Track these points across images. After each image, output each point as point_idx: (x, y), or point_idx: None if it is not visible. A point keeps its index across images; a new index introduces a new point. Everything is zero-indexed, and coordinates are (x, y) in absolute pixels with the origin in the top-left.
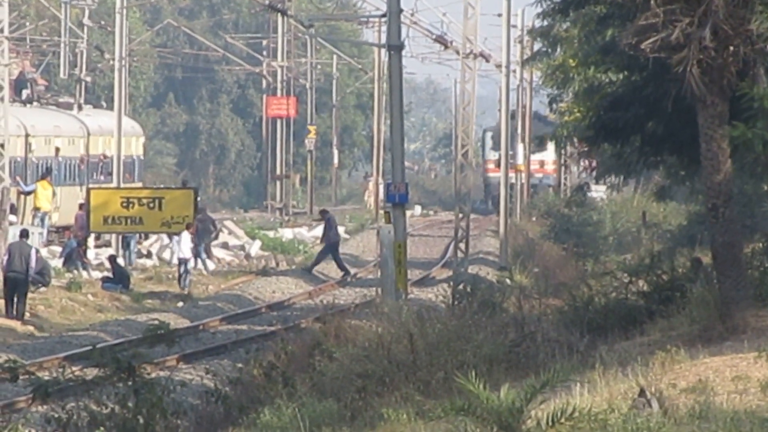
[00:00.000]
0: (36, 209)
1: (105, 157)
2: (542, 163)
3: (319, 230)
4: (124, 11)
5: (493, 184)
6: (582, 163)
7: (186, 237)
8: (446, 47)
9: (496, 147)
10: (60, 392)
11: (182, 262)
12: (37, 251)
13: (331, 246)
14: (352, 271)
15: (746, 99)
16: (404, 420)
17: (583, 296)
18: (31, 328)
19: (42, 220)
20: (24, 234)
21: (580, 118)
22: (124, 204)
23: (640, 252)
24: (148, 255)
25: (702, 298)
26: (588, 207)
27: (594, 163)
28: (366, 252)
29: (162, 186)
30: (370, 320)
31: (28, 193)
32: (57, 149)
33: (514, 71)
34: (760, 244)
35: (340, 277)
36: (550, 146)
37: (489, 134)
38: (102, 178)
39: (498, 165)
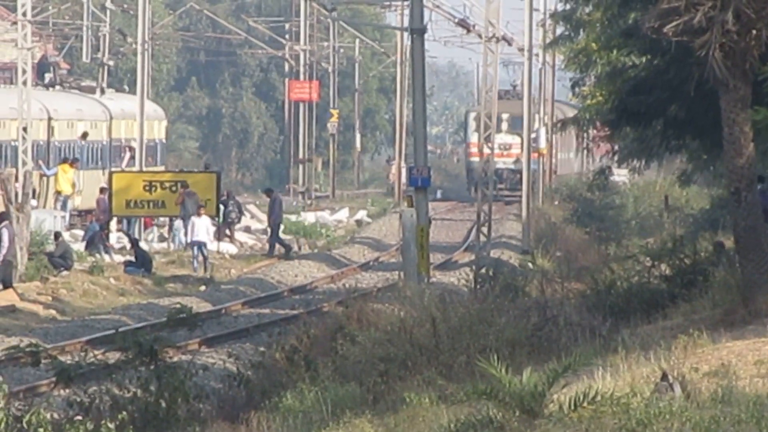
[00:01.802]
0: (57, 193)
1: (130, 149)
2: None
3: (341, 213)
4: None
5: (476, 170)
6: (597, 150)
7: (204, 220)
8: (469, 31)
9: (480, 129)
10: (82, 376)
11: (198, 244)
12: (59, 235)
13: (273, 225)
14: (375, 254)
15: None
16: (426, 404)
17: (605, 280)
18: (53, 311)
19: (64, 203)
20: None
21: (602, 101)
22: (147, 188)
23: (663, 236)
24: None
25: (724, 282)
26: (610, 191)
27: (608, 147)
28: (388, 236)
29: (184, 169)
30: (393, 304)
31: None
32: (85, 134)
33: (537, 55)
34: None
35: (267, 252)
36: (540, 129)
37: (472, 115)
38: (123, 164)
39: (481, 149)
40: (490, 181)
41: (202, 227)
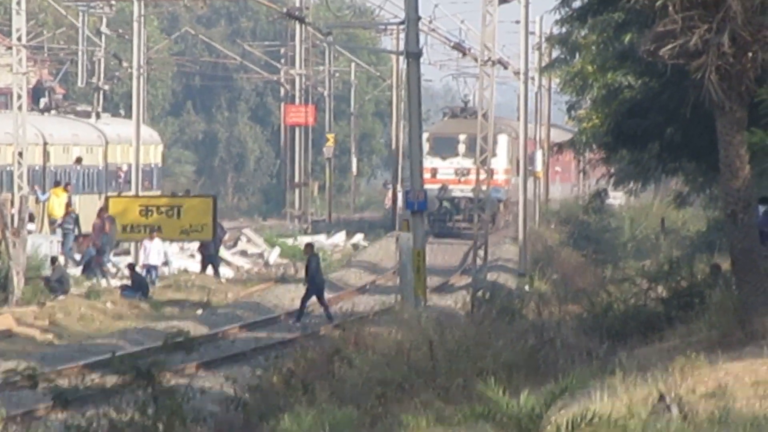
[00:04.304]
0: (50, 217)
1: (124, 172)
2: (491, 173)
3: (337, 237)
4: (142, 19)
5: (429, 198)
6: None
7: (156, 244)
8: (464, 54)
9: (433, 152)
10: (80, 400)
11: (149, 268)
12: (56, 259)
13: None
14: (371, 278)
15: (765, 105)
16: (424, 426)
17: (602, 302)
18: (50, 336)
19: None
20: None
21: (598, 124)
22: (143, 212)
23: (659, 258)
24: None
25: (721, 304)
26: (606, 213)
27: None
28: (385, 259)
29: (180, 194)
30: (390, 327)
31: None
32: (79, 159)
33: (533, 78)
34: None
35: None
36: (501, 152)
37: (424, 135)
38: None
39: (435, 174)
40: (486, 206)
41: (154, 251)
